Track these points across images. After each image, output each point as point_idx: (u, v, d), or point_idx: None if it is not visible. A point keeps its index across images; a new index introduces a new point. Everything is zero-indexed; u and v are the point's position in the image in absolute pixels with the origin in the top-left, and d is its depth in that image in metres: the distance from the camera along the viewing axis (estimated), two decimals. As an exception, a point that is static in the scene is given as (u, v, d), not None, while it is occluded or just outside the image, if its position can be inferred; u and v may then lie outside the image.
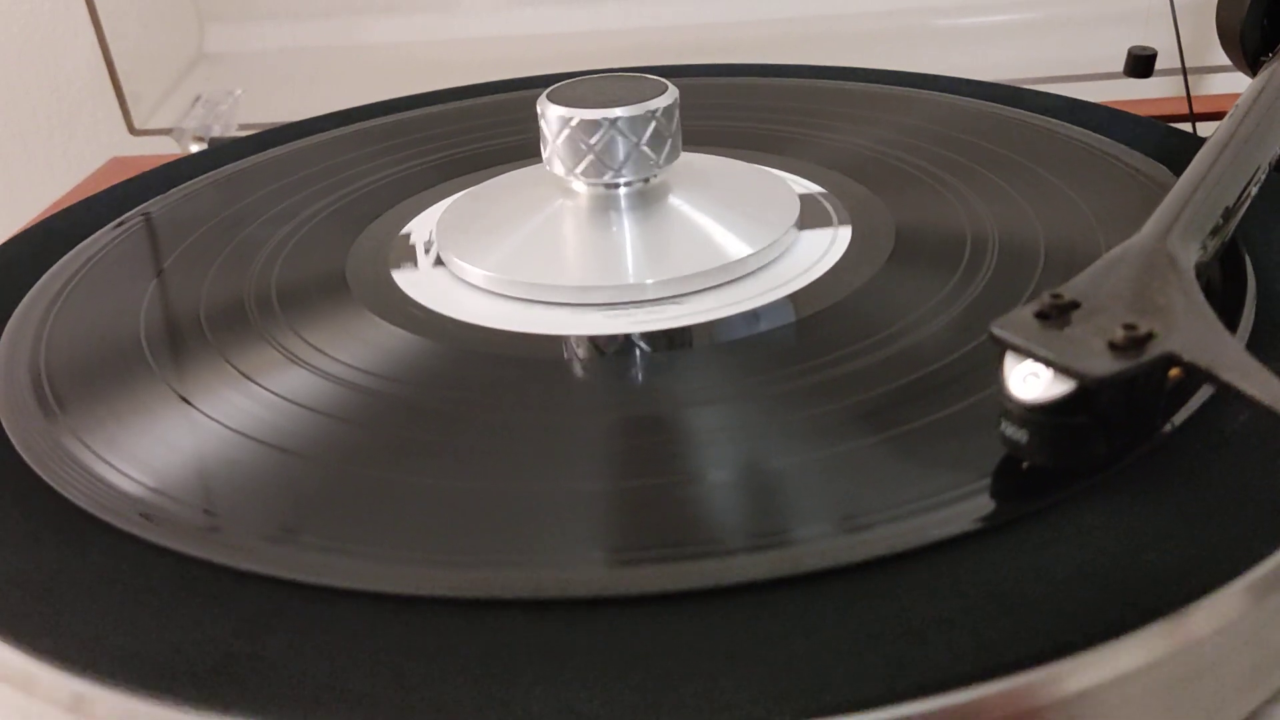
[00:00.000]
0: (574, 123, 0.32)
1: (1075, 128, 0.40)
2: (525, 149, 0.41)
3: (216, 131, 0.55)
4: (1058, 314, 0.23)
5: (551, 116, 0.32)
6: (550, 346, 0.29)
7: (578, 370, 0.29)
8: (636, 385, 0.28)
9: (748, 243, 0.32)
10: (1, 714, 0.22)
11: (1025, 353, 0.22)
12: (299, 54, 0.62)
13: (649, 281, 0.31)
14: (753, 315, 0.30)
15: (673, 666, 0.19)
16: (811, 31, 0.61)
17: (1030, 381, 0.22)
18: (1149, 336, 0.22)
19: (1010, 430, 0.23)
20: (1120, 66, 0.44)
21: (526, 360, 0.29)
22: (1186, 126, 0.41)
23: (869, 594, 0.20)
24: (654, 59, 0.49)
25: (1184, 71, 0.42)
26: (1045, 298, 0.23)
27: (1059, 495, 0.22)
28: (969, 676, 0.18)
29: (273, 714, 0.19)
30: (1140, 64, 0.43)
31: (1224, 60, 0.51)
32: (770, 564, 0.21)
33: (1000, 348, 0.23)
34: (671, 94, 0.32)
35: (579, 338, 0.29)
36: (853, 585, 0.20)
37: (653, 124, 0.32)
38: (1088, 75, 0.53)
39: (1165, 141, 0.38)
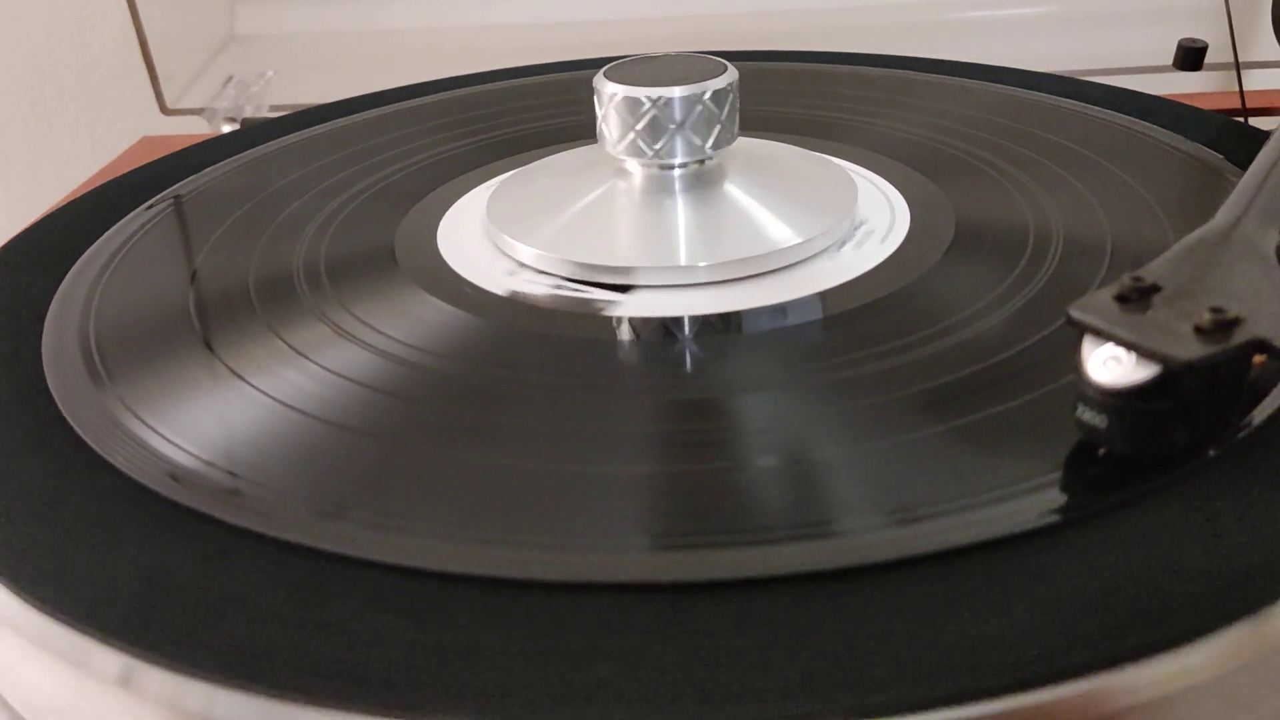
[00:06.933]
0: (632, 101, 0.31)
1: (1136, 120, 0.39)
2: (578, 129, 0.41)
3: (248, 112, 0.54)
4: (1138, 297, 0.22)
5: (609, 94, 0.31)
6: (601, 326, 0.29)
7: (628, 351, 0.28)
8: (688, 369, 0.27)
9: (804, 229, 0.31)
10: (51, 687, 0.21)
11: (1109, 336, 0.22)
12: (330, 37, 0.61)
13: (702, 265, 0.30)
14: (807, 302, 0.29)
15: (712, 655, 0.19)
16: (848, 22, 0.60)
17: (1111, 365, 0.22)
18: (1236, 321, 0.21)
19: (1088, 415, 0.22)
20: (1159, 60, 0.43)
21: (576, 340, 0.28)
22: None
23: (929, 591, 0.20)
24: (687, 47, 0.49)
25: (1237, 65, 0.42)
26: (1125, 280, 0.23)
27: (1133, 491, 0.21)
28: (1038, 679, 0.18)
29: (315, 693, 0.18)
30: (1191, 56, 0.42)
31: (1268, 55, 0.51)
32: (819, 555, 0.20)
33: (1079, 330, 0.22)
34: (731, 74, 0.32)
35: (630, 319, 0.29)
36: (910, 581, 0.20)
37: (713, 104, 0.31)
38: (1133, 68, 0.53)
39: (1228, 135, 0.38)
